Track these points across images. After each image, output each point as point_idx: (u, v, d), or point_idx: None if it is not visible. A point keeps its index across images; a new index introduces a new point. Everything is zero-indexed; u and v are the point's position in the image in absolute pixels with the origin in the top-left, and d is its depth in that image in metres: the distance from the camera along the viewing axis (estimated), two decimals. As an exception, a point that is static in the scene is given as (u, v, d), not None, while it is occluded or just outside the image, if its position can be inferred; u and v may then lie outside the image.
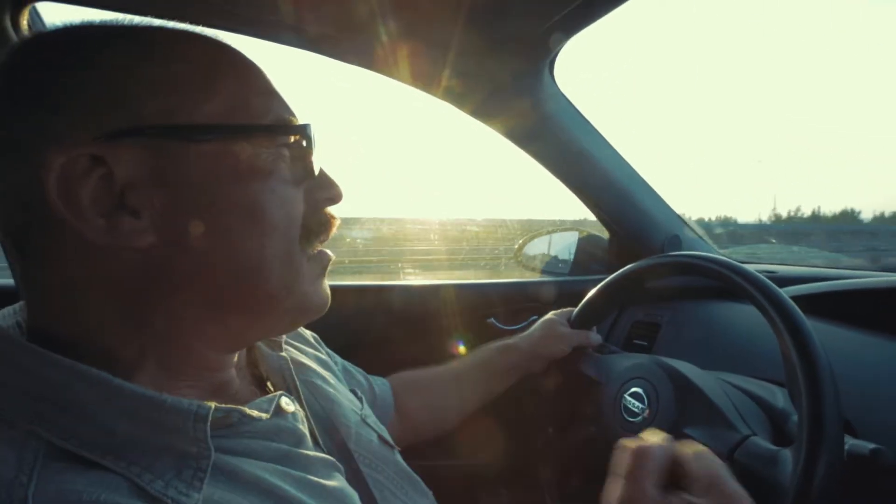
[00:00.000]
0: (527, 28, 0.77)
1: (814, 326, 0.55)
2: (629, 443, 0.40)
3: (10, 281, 1.03)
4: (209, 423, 0.35)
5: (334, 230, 0.44)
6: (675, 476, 0.38)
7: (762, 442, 0.57)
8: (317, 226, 0.42)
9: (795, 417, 0.59)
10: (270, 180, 0.38)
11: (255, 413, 0.39)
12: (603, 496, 0.40)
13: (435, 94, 0.94)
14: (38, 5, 0.84)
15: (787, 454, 0.53)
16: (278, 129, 0.40)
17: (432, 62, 0.86)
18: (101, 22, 0.38)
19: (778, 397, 0.67)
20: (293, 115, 0.42)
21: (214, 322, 0.39)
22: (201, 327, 0.39)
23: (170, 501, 0.32)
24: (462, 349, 1.13)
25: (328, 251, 0.45)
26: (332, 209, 0.44)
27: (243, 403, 0.39)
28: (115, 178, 0.34)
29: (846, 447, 0.53)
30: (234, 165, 0.37)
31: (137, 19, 0.39)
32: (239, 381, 0.45)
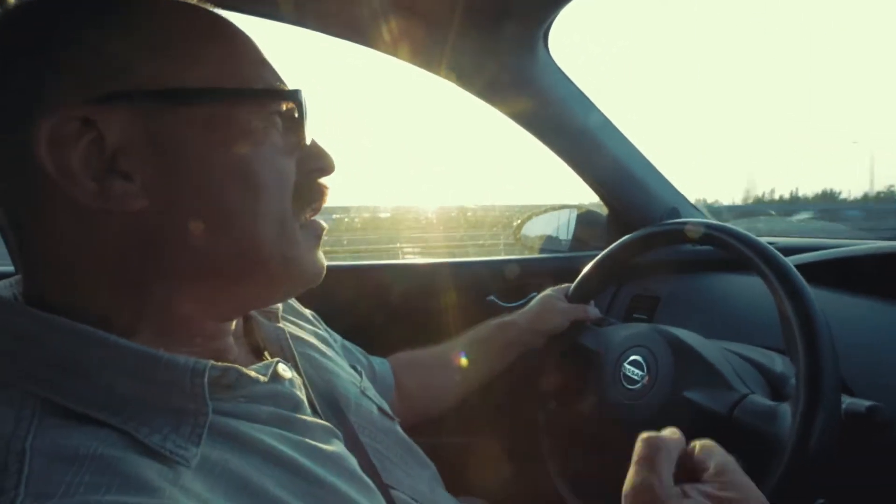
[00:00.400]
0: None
1: (814, 293, 0.55)
2: (646, 434, 0.40)
3: (9, 268, 1.03)
4: (206, 379, 0.35)
5: (326, 200, 0.44)
6: (686, 469, 0.39)
7: (760, 399, 0.58)
8: (308, 194, 0.43)
9: (794, 380, 0.60)
10: (262, 146, 0.39)
11: (252, 373, 0.39)
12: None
13: (429, 70, 0.93)
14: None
15: (785, 408, 0.54)
16: (269, 93, 0.40)
17: (424, 36, 0.85)
18: None
19: (777, 362, 0.67)
20: (284, 84, 0.42)
21: (209, 288, 0.39)
22: (196, 293, 0.39)
23: (167, 454, 0.32)
24: (459, 328, 1.14)
25: (321, 220, 0.45)
26: (324, 180, 0.44)
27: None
28: (106, 142, 0.34)
29: (843, 405, 0.54)
30: (225, 130, 0.37)
31: None
32: (237, 349, 0.45)
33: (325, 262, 0.45)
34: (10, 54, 0.35)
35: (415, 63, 0.92)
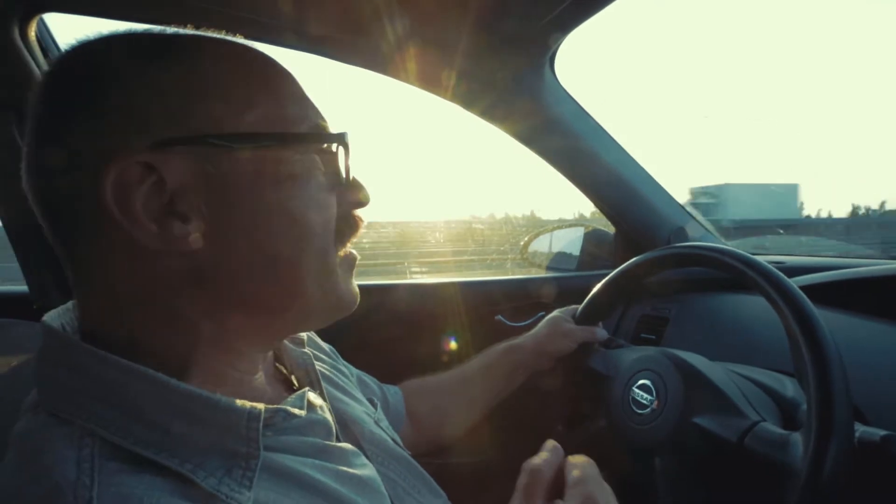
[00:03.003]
0: (525, 25, 0.77)
1: (823, 315, 0.55)
2: (527, 463, 0.44)
3: (23, 287, 1.05)
4: (262, 423, 0.36)
5: (361, 231, 0.46)
6: (559, 485, 0.43)
7: (771, 427, 0.58)
8: (347, 228, 0.44)
9: (805, 406, 0.59)
10: (308, 186, 0.40)
11: (296, 410, 0.40)
12: None
13: (438, 94, 0.95)
14: (46, 16, 0.85)
15: (797, 438, 0.53)
16: (318, 137, 0.42)
17: (433, 63, 0.87)
18: (144, 32, 0.39)
19: (788, 387, 0.67)
20: (325, 119, 0.43)
21: (255, 321, 0.41)
22: (243, 327, 0.40)
23: (223, 497, 0.33)
24: (471, 343, 1.14)
25: (354, 251, 0.46)
26: (359, 212, 0.46)
27: (271, 400, 0.41)
28: (165, 185, 0.35)
29: (857, 434, 0.53)
30: (274, 172, 0.38)
31: (172, 30, 0.40)
32: (268, 382, 0.46)
33: (358, 291, 0.46)
34: (73, 101, 0.36)
35: (422, 87, 0.94)
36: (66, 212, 0.37)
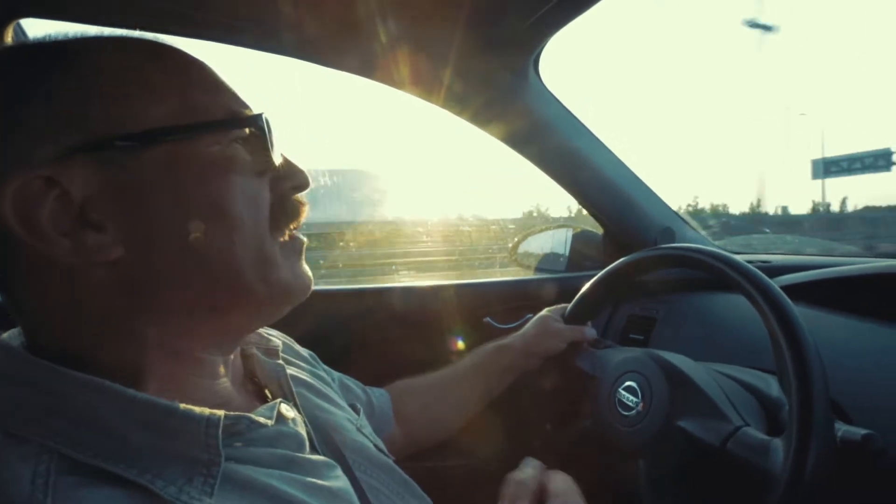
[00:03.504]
0: (508, 27, 0.77)
1: (807, 314, 0.56)
2: (512, 474, 0.47)
3: None
4: (221, 429, 0.35)
5: (304, 216, 0.44)
6: (543, 498, 0.46)
7: (753, 432, 0.58)
8: (285, 214, 0.42)
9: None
10: (230, 176, 0.38)
11: (261, 419, 0.40)
12: None
13: (420, 96, 0.94)
14: (23, 21, 0.84)
15: (778, 444, 0.54)
16: (227, 123, 0.39)
17: (417, 65, 0.86)
18: (35, 42, 0.38)
19: (773, 386, 0.67)
20: (246, 106, 0.41)
21: (201, 323, 0.39)
22: (189, 329, 0.39)
23: None
24: (460, 345, 1.14)
25: (300, 235, 0.45)
26: (300, 195, 0.44)
27: (240, 410, 0.40)
28: (71, 197, 0.34)
29: (839, 433, 0.54)
30: (190, 166, 0.37)
31: (93, 31, 0.39)
32: (236, 391, 0.45)
33: (311, 274, 0.45)
34: None
35: (409, 91, 0.93)
36: None
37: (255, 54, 0.87)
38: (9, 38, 0.82)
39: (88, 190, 0.34)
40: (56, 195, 0.33)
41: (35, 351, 0.37)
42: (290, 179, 0.43)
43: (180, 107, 0.37)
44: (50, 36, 0.38)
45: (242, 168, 0.39)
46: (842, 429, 0.54)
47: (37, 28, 0.89)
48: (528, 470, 0.48)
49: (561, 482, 0.47)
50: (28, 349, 0.38)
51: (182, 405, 0.35)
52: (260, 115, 0.40)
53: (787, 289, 0.59)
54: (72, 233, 0.34)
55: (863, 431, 0.53)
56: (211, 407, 0.36)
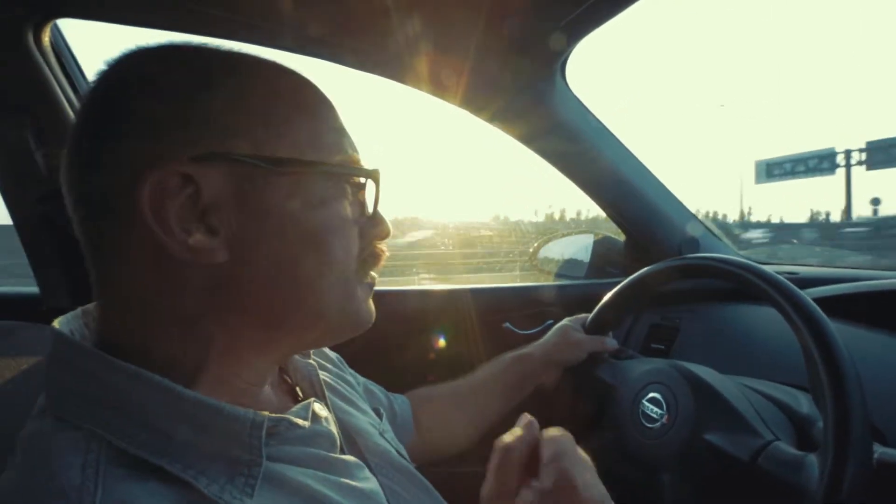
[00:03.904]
0: (536, 33, 0.77)
1: (837, 329, 0.54)
2: (498, 441, 0.42)
3: (34, 289, 1.06)
4: (264, 431, 0.36)
5: (383, 263, 0.47)
6: (534, 463, 0.41)
7: (786, 447, 0.56)
8: (372, 259, 0.46)
9: (820, 423, 0.58)
10: (336, 214, 0.41)
11: (299, 421, 0.40)
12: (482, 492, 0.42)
13: (449, 101, 0.95)
14: (60, 21, 0.86)
15: (812, 460, 0.52)
16: (353, 170, 0.43)
17: (445, 70, 0.86)
18: (198, 47, 0.40)
19: (802, 402, 0.66)
20: (358, 152, 0.44)
21: (269, 336, 0.41)
22: (257, 340, 0.41)
23: None
24: (476, 354, 1.13)
25: (375, 275, 0.47)
26: (382, 244, 0.47)
27: (276, 410, 0.41)
28: (201, 197, 0.36)
29: (875, 455, 0.52)
30: (306, 197, 0.39)
31: (229, 45, 0.41)
32: (272, 390, 0.46)
33: (374, 312, 0.47)
34: (125, 106, 0.37)
35: (432, 93, 0.93)
36: (101, 209, 0.37)
37: (280, 55, 0.89)
38: (46, 37, 0.84)
39: (216, 195, 0.37)
40: (189, 193, 0.36)
41: (102, 339, 0.39)
42: (377, 228, 0.46)
43: (311, 141, 0.40)
44: (217, 45, 0.41)
45: (347, 210, 0.42)
46: (879, 450, 0.52)
47: (73, 28, 0.91)
48: (518, 433, 0.42)
49: (556, 443, 0.41)
50: (97, 336, 0.40)
51: (228, 405, 0.36)
52: (377, 171, 0.44)
53: (818, 302, 0.58)
54: (190, 230, 0.36)
55: None
56: (251, 408, 0.37)
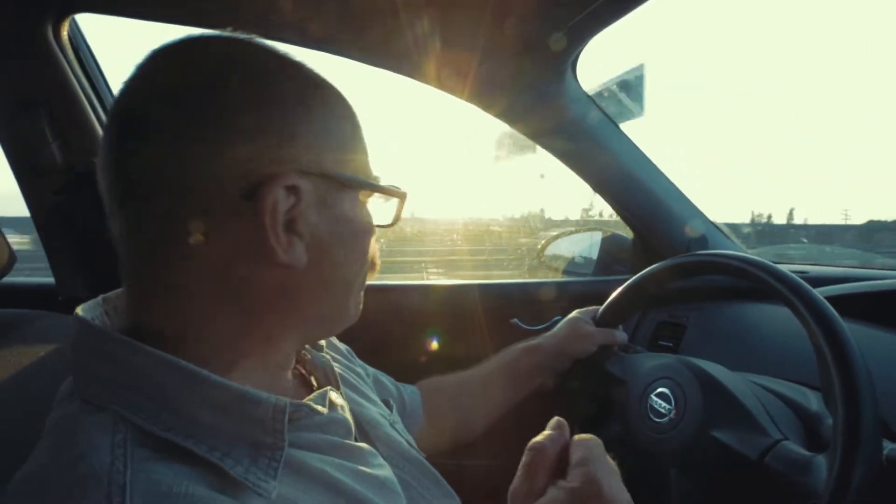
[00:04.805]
0: (548, 29, 0.77)
1: (850, 329, 0.54)
2: (532, 441, 0.45)
3: (49, 279, 1.07)
4: (287, 415, 0.37)
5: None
6: (563, 464, 0.43)
7: (794, 447, 0.56)
8: (372, 262, 0.49)
9: (829, 421, 0.58)
10: (370, 225, 0.46)
11: (318, 407, 0.42)
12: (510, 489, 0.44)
13: (460, 97, 0.95)
14: (78, 17, 0.87)
15: (821, 460, 0.52)
16: (395, 193, 0.48)
17: (456, 66, 0.87)
18: (296, 61, 0.42)
19: (811, 400, 0.66)
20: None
21: (308, 330, 0.45)
22: (292, 334, 0.44)
23: (251, 485, 0.34)
24: (484, 348, 1.14)
25: None
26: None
27: (294, 398, 0.41)
28: (300, 205, 0.39)
29: (885, 452, 0.52)
30: (361, 210, 0.45)
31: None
32: (288, 377, 0.48)
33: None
34: (244, 101, 0.38)
35: (441, 88, 0.94)
36: (183, 201, 0.37)
37: (286, 49, 0.89)
38: (65, 32, 0.86)
39: (307, 205, 0.39)
40: (293, 201, 0.38)
41: (131, 326, 0.39)
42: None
43: (364, 163, 0.45)
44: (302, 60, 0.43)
45: (373, 222, 0.47)
46: (888, 447, 0.52)
47: (91, 23, 0.92)
48: (550, 433, 0.45)
49: (586, 447, 0.43)
50: (121, 319, 0.41)
51: (251, 389, 0.37)
52: (405, 193, 0.49)
53: (829, 301, 0.58)
54: (285, 234, 0.39)
55: None
56: (268, 387, 0.38)
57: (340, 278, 0.44)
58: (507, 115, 1.00)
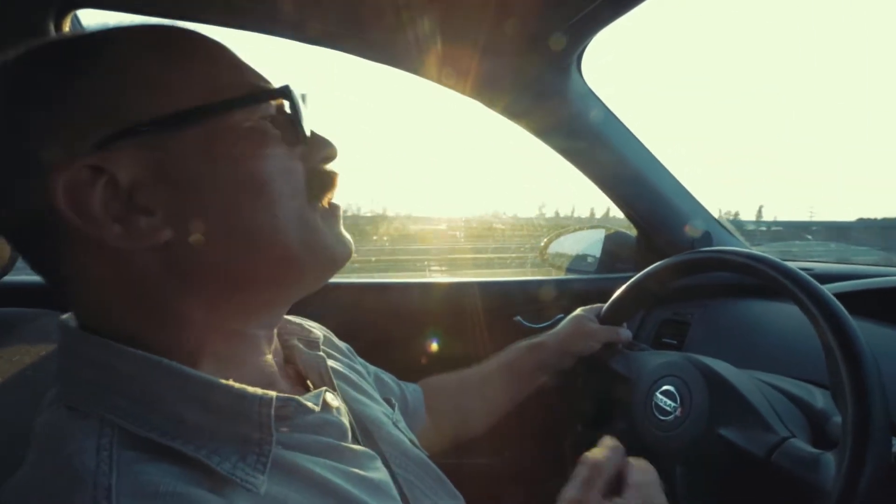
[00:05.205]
0: (552, 25, 0.76)
1: (858, 326, 0.53)
2: (590, 454, 0.46)
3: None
4: (273, 409, 0.36)
5: (338, 184, 0.45)
6: (618, 484, 0.44)
7: (802, 444, 0.56)
8: (320, 183, 0.43)
9: (836, 419, 0.57)
10: (264, 150, 0.39)
11: (309, 404, 0.41)
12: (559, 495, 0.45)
13: (463, 93, 0.94)
14: (80, 12, 0.87)
15: (829, 458, 0.52)
16: (258, 97, 0.40)
17: (460, 61, 0.86)
18: (55, 40, 0.39)
19: (817, 398, 0.65)
20: (268, 82, 0.42)
21: (246, 298, 0.41)
22: (237, 307, 0.40)
23: (238, 481, 0.34)
24: (486, 347, 1.13)
25: (335, 202, 0.45)
26: (331, 165, 0.45)
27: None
28: (119, 183, 0.35)
29: (894, 450, 0.51)
30: (224, 144, 0.37)
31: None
32: (280, 373, 0.47)
33: (351, 238, 0.45)
34: (16, 109, 0.36)
35: (444, 84, 0.93)
36: (27, 224, 0.36)
37: (289, 45, 0.89)
38: (66, 28, 0.85)
39: (134, 175, 0.35)
40: (104, 182, 0.35)
41: (91, 332, 0.38)
42: (320, 151, 0.43)
43: (208, 88, 0.38)
44: (77, 31, 0.40)
45: (274, 142, 0.40)
46: None
47: (93, 19, 0.92)
48: (607, 453, 0.46)
49: (641, 473, 0.45)
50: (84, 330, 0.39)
51: (237, 385, 0.36)
52: (287, 87, 0.41)
53: (836, 297, 0.57)
54: (123, 218, 0.35)
55: None
56: (259, 387, 0.38)
57: (247, 230, 0.38)
58: (510, 112, 0.99)
